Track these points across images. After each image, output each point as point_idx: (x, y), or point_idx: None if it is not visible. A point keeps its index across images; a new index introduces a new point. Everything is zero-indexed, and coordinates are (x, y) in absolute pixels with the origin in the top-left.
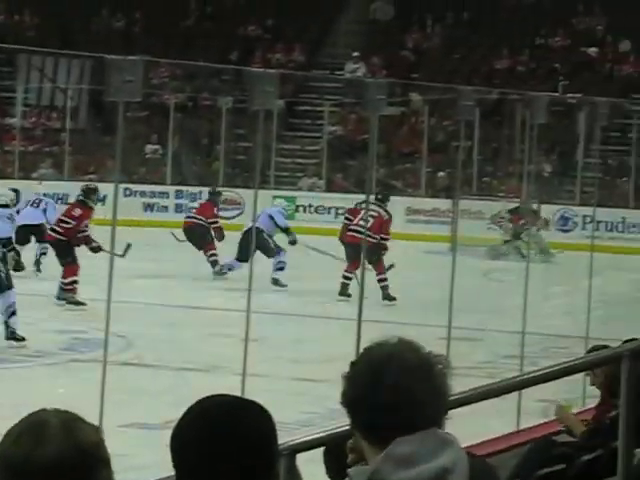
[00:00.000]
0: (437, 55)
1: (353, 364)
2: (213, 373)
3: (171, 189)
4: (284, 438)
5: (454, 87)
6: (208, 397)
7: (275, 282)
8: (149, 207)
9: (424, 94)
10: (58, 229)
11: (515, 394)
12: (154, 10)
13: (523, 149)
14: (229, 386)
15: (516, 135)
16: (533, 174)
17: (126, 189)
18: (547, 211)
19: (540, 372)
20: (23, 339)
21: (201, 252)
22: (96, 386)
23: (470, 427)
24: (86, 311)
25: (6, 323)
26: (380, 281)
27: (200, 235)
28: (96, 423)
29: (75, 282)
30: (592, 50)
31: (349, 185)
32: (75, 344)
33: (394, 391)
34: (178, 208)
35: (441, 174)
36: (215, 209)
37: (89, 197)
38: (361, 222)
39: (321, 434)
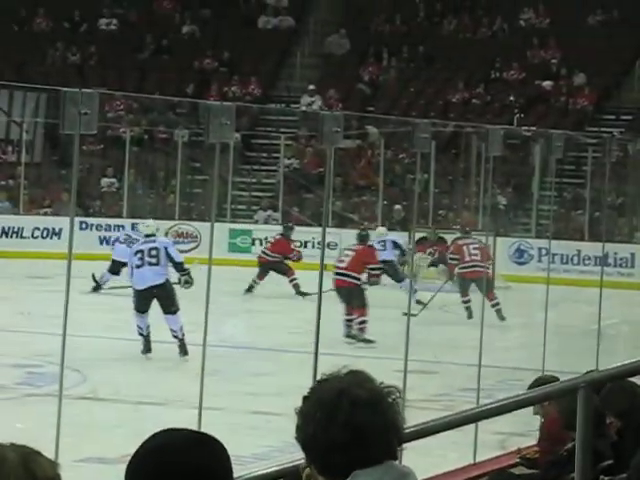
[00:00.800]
0: (393, 88)
1: (305, 398)
2: (169, 407)
3: (127, 222)
4: (240, 472)
5: (410, 120)
6: (162, 431)
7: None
8: (105, 240)
9: (380, 127)
10: None
11: (472, 427)
12: (109, 43)
13: (479, 182)
14: (186, 420)
15: (472, 168)
16: (489, 207)
17: (82, 222)
18: (503, 244)
19: (496, 404)
20: None
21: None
22: (52, 420)
23: (427, 460)
24: (42, 345)
25: None
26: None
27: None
28: (53, 457)
29: None
30: (547, 83)
31: (305, 218)
32: (30, 378)
33: (345, 429)
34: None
35: (397, 207)
36: (291, 244)
37: None
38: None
39: (277, 467)
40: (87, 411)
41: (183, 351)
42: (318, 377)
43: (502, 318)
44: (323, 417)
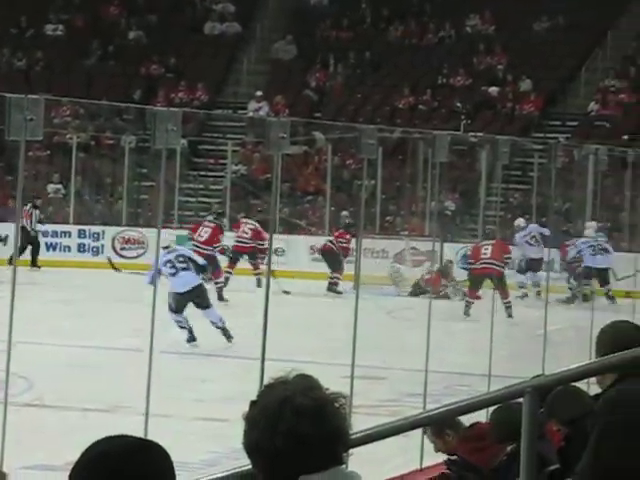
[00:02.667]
0: (339, 94)
1: (252, 404)
2: (116, 413)
3: (74, 228)
4: (187, 477)
5: (356, 126)
6: (104, 438)
7: None
8: (52, 247)
9: (327, 133)
10: None
11: (418, 432)
12: (56, 49)
13: (426, 187)
14: (132, 426)
15: (419, 174)
16: (436, 212)
17: None
18: (450, 249)
19: (442, 409)
20: None
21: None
22: None
23: (373, 466)
24: None
25: None
26: None
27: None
28: None
29: None
30: (493, 89)
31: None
32: None
33: (288, 438)
34: (81, 247)
35: (344, 213)
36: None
37: None
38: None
39: (224, 474)
40: (33, 418)
41: (227, 336)
42: (265, 382)
43: (510, 315)
44: (267, 425)
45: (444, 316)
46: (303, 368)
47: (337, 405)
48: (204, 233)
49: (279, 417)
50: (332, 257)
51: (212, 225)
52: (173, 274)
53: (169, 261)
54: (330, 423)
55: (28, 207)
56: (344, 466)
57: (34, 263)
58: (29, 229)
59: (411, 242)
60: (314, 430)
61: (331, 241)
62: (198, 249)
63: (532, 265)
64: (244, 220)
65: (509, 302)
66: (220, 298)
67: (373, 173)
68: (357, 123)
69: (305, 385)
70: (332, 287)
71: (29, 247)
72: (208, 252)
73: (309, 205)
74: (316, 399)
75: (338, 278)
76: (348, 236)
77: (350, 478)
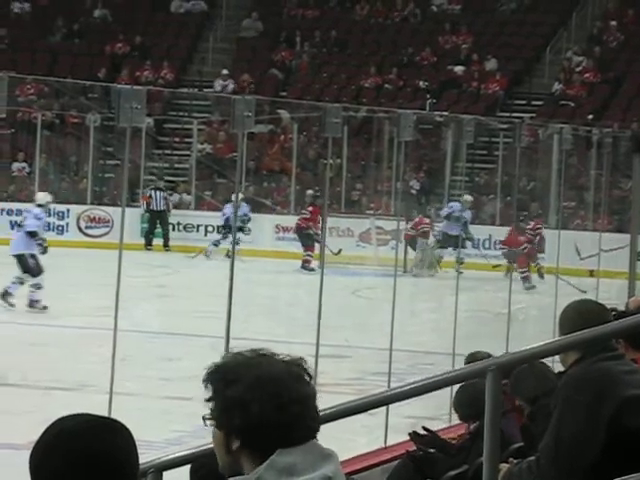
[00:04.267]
0: (305, 73)
1: (229, 383)
2: (80, 392)
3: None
4: (151, 456)
5: (322, 105)
6: (67, 416)
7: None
8: (17, 225)
9: (292, 112)
10: None
11: (383, 411)
12: (20, 26)
13: (391, 166)
14: (97, 405)
15: (384, 153)
16: (401, 191)
17: None
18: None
19: (406, 387)
20: None
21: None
22: None
23: (338, 444)
24: None
25: None
26: None
27: None
28: None
29: None
30: (458, 68)
31: (218, 203)
32: None
33: (296, 404)
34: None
35: (309, 192)
36: None
37: None
38: None
39: (188, 452)
40: None
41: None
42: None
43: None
44: (271, 397)
45: (407, 295)
46: (267, 345)
47: (306, 373)
48: None
49: (284, 386)
50: (304, 234)
51: None
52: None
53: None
54: (309, 386)
55: None
56: (314, 441)
57: None
58: None
59: (376, 221)
60: (310, 396)
61: (301, 219)
62: None
63: (449, 241)
64: None
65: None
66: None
67: (338, 152)
68: (323, 102)
69: (268, 357)
70: (305, 265)
71: None
72: None
73: (274, 184)
74: (288, 365)
75: (310, 256)
76: (310, 208)
77: (326, 452)
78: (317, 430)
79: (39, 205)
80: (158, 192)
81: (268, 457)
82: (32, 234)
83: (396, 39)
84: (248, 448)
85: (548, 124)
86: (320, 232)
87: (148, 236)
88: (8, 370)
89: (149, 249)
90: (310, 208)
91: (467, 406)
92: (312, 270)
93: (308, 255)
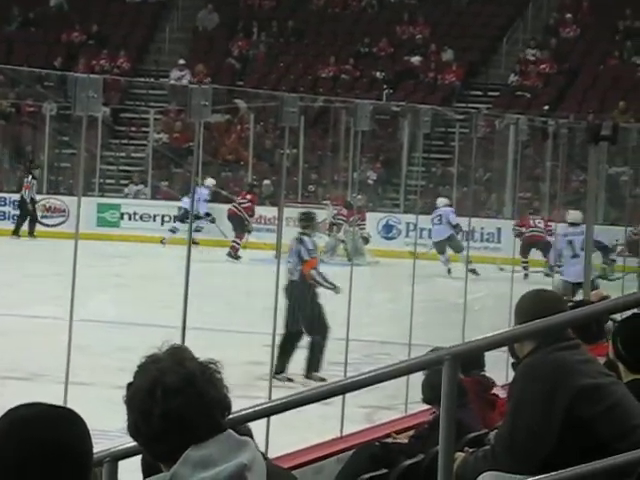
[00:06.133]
0: (262, 63)
1: (128, 386)
2: (36, 382)
3: None
4: (106, 445)
5: (278, 94)
6: (19, 406)
7: None
8: None
9: (249, 101)
10: None
11: (338, 401)
12: None
13: (348, 157)
14: (52, 395)
15: (341, 143)
16: (357, 182)
17: None
18: (371, 219)
19: (362, 377)
20: None
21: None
22: None
23: (293, 434)
24: None
25: None
26: None
27: None
28: None
29: None
30: (415, 59)
31: (175, 192)
32: None
33: (165, 418)
34: (0, 215)
35: (266, 182)
36: None
37: None
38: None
39: None
40: None
41: None
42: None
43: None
44: (142, 408)
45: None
46: (225, 336)
47: (210, 373)
48: None
49: (152, 400)
50: (237, 221)
51: None
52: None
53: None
54: (203, 395)
55: None
56: (230, 432)
57: None
58: None
59: (333, 211)
60: (188, 406)
61: (235, 205)
62: None
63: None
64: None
65: None
66: None
67: (295, 142)
68: (279, 92)
69: (175, 360)
70: (231, 252)
71: None
72: None
73: (231, 174)
74: (186, 374)
75: (237, 243)
76: (249, 196)
77: (242, 441)
78: (220, 425)
79: None
80: (32, 179)
81: (182, 454)
82: None
83: (353, 29)
84: (155, 460)
85: (504, 115)
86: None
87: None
88: None
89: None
90: (249, 196)
91: (430, 390)
92: (238, 258)
93: (236, 242)
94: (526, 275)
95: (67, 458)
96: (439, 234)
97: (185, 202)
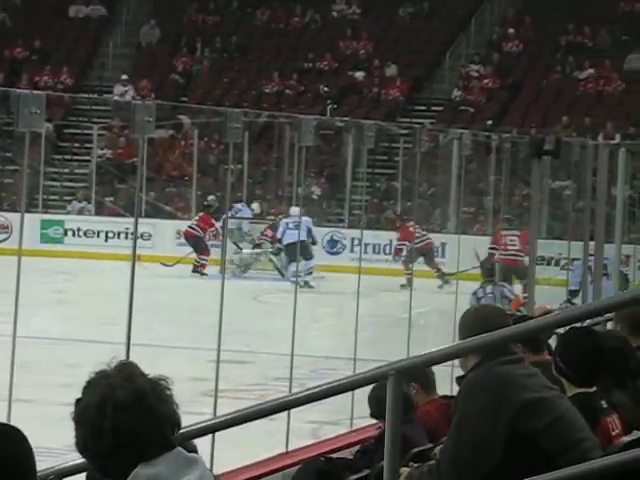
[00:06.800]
0: (206, 78)
1: (77, 402)
2: None
3: None
4: (51, 462)
5: (222, 110)
6: None
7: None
8: None
9: (193, 117)
10: None
11: (284, 416)
12: None
13: (292, 172)
14: None
15: (285, 158)
16: (302, 197)
17: None
18: (316, 234)
19: (307, 392)
20: None
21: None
22: None
23: (238, 450)
24: None
25: None
26: None
27: None
28: None
29: None
30: (359, 74)
31: (119, 208)
32: None
33: (114, 434)
34: None
35: (211, 197)
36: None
37: None
38: None
39: None
40: None
41: None
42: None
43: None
44: (91, 425)
45: (308, 300)
46: (169, 352)
47: (160, 389)
48: None
49: (102, 415)
50: (194, 240)
51: None
52: None
53: None
54: (153, 412)
55: None
56: (179, 449)
57: None
58: None
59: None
60: (138, 422)
61: (190, 226)
62: None
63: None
64: None
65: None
66: None
67: (239, 157)
68: (223, 107)
69: (125, 376)
70: (197, 269)
71: None
72: None
73: (175, 189)
74: (136, 390)
75: (205, 260)
76: (200, 215)
77: (191, 458)
78: (169, 441)
79: None
80: None
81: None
82: None
83: (297, 44)
84: (103, 477)
85: (448, 130)
86: (208, 238)
87: None
88: None
89: None
90: (199, 215)
91: (375, 405)
92: (204, 275)
93: (203, 259)
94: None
95: (10, 475)
96: (291, 237)
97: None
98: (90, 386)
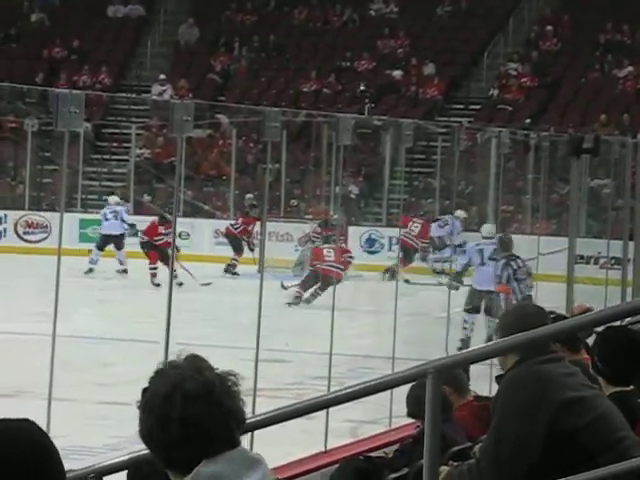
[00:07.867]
0: (244, 78)
1: (144, 391)
2: (19, 398)
3: None
4: (91, 461)
5: (260, 109)
6: None
7: None
8: None
9: (231, 116)
10: None
11: (322, 415)
12: None
13: (330, 171)
14: (35, 411)
15: (323, 157)
16: (340, 196)
17: None
18: (354, 233)
19: (345, 391)
20: None
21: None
22: None
23: (277, 448)
24: None
25: None
26: None
27: None
28: None
29: None
30: (397, 73)
31: (157, 208)
32: None
33: (181, 425)
34: None
35: (248, 196)
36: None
37: None
38: None
39: (126, 457)
40: None
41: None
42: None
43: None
44: (159, 413)
45: (347, 299)
46: (208, 350)
47: (228, 385)
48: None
49: (170, 404)
50: (233, 240)
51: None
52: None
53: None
54: (221, 406)
55: None
56: (243, 447)
57: None
58: None
59: (315, 226)
60: (206, 415)
61: (231, 224)
62: None
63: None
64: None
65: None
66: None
67: (277, 157)
68: (261, 106)
69: (194, 368)
70: (229, 268)
71: None
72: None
73: (213, 189)
74: (206, 382)
75: (236, 260)
76: (240, 219)
77: (254, 459)
78: (234, 438)
79: None
80: None
81: (193, 468)
82: None
83: (334, 43)
84: (167, 469)
85: (486, 128)
86: (254, 241)
87: None
88: None
89: None
90: (240, 220)
91: (413, 404)
92: (236, 274)
93: (234, 260)
94: None
95: (30, 472)
96: (112, 229)
97: None
98: (159, 375)
